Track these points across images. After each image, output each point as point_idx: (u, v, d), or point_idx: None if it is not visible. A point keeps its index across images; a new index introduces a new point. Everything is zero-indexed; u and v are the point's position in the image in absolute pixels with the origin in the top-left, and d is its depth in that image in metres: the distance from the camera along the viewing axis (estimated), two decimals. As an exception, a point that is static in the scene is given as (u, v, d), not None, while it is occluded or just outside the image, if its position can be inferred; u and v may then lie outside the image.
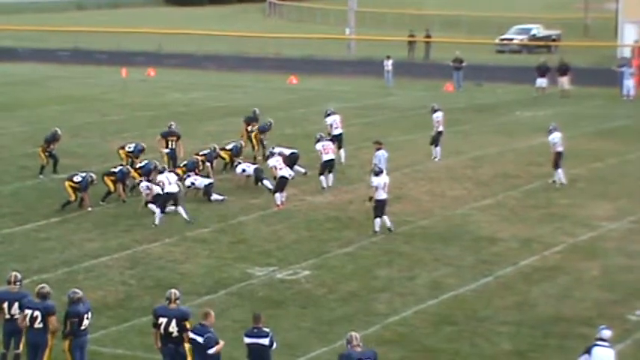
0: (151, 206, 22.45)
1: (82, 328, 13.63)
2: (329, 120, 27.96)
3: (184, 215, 22.05)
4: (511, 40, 60.06)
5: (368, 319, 16.46)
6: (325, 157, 24.91)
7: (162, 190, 22.07)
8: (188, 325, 13.28)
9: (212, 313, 13.23)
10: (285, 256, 19.87)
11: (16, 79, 47.63)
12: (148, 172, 24.11)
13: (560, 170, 25.48)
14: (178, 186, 22.34)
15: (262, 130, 28.91)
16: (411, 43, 56.47)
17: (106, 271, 18.92)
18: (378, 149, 24.11)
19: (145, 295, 17.50)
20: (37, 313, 13.61)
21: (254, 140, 28.65)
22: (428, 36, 56.35)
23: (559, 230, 21.68)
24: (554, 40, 60.43)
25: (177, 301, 13.46)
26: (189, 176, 24.53)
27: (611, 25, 59.52)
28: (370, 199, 21.34)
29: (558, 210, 23.36)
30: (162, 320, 13.33)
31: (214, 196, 24.09)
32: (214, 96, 42.52)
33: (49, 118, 36.30)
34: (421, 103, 39.16)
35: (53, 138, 27.22)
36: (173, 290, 13.63)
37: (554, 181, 25.50)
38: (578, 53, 53.36)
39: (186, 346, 13.24)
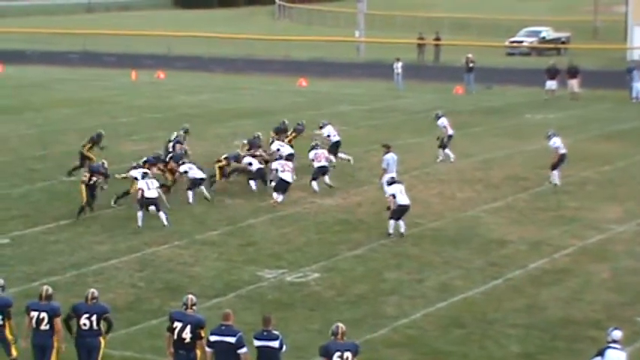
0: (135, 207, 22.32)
1: (84, 328, 13.60)
2: (325, 132, 28.00)
3: (164, 220, 21.89)
4: (521, 42, 60.02)
5: (377, 322, 16.45)
6: (317, 164, 25.10)
7: (142, 195, 22.00)
8: (202, 333, 13.21)
9: (232, 313, 13.22)
10: (295, 258, 19.87)
11: (25, 81, 47.76)
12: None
13: (555, 172, 25.57)
14: (158, 192, 22.34)
15: (299, 132, 28.60)
16: (420, 45, 56.47)
17: (116, 274, 18.94)
18: (387, 152, 24.08)
19: (155, 298, 17.52)
20: (43, 314, 13.59)
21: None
22: (438, 38, 56.34)
23: (568, 233, 21.64)
24: (563, 43, 60.36)
25: (194, 307, 13.39)
26: (184, 163, 24.51)
27: (620, 27, 59.42)
28: (388, 208, 21.39)
29: (567, 212, 23.32)
30: (178, 325, 13.24)
31: (191, 193, 23.86)
32: (223, 98, 42.57)
33: (58, 120, 36.43)
34: (431, 106, 39.13)
35: (99, 138, 27.17)
36: (190, 296, 13.54)
37: (549, 182, 25.51)
38: (587, 56, 53.28)
39: (198, 353, 13.21)
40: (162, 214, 22.09)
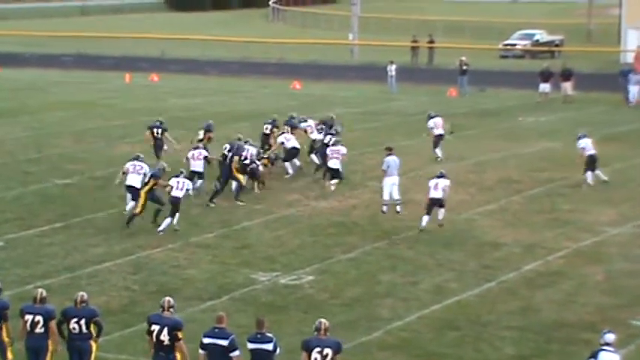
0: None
1: (74, 332, 13.57)
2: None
3: (164, 225, 21.81)
4: (514, 45, 60.08)
5: (371, 325, 16.46)
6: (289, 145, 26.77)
7: (170, 192, 22.04)
8: (180, 335, 13.19)
9: (225, 316, 13.23)
10: (289, 261, 19.88)
11: (19, 84, 47.68)
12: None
13: (589, 173, 25.89)
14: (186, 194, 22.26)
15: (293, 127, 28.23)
16: (414, 48, 56.50)
17: (110, 277, 18.93)
18: (389, 154, 24.00)
19: (149, 301, 17.50)
20: (38, 317, 13.56)
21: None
22: (431, 41, 56.38)
23: (562, 235, 21.68)
24: (557, 46, 60.44)
25: (171, 310, 13.35)
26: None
27: (614, 30, 59.51)
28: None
29: (561, 215, 23.35)
30: (155, 328, 13.24)
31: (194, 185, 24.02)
32: (218, 101, 42.55)
33: (53, 123, 36.40)
34: (424, 109, 39.11)
35: (208, 129, 27.67)
36: (167, 298, 13.54)
37: (587, 184, 25.83)
38: (581, 58, 53.36)
39: (178, 356, 13.18)
40: (168, 220, 21.76)
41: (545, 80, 42.02)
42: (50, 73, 52.51)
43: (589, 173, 25.91)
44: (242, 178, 24.53)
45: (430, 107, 39.37)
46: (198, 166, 24.84)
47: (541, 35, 61.83)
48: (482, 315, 16.93)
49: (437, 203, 21.91)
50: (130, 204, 22.81)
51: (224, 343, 12.91)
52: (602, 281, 18.74)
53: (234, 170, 24.50)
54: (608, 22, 66.73)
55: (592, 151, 26.04)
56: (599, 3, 74.22)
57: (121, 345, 15.59)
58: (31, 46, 62.84)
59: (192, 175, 24.42)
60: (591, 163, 25.95)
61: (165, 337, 13.16)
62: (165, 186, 22.25)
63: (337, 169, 25.38)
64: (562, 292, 18.11)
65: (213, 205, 23.89)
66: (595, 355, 12.77)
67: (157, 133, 28.02)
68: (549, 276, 19.02)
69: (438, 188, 21.93)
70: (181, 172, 22.64)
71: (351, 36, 60.28)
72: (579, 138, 26.60)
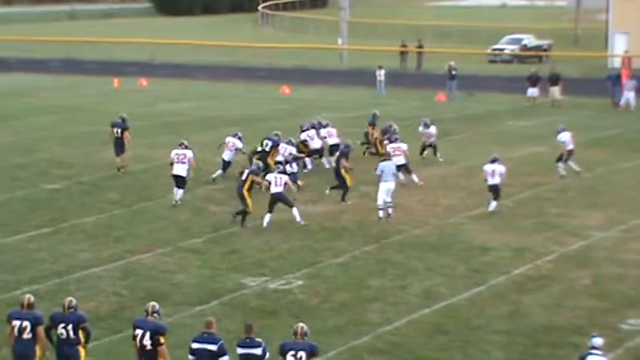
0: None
1: (62, 337, 13.53)
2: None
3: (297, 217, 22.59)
4: (502, 50, 60.26)
5: (360, 329, 16.47)
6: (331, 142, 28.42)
7: (269, 188, 22.55)
8: (162, 340, 13.16)
9: (214, 321, 13.22)
10: (278, 266, 19.87)
11: (6, 89, 47.57)
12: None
13: (561, 164, 27.12)
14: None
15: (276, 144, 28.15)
16: (403, 53, 56.62)
17: (98, 282, 18.88)
18: (383, 160, 24.03)
19: (138, 306, 17.44)
20: (26, 323, 13.51)
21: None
22: (420, 46, 56.49)
23: (551, 239, 21.73)
24: (545, 50, 60.62)
25: (155, 314, 13.32)
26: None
27: (601, 35, 59.76)
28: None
29: (550, 219, 23.41)
30: (139, 332, 13.24)
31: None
32: (207, 106, 42.54)
33: (40, 128, 36.32)
34: (413, 113, 39.22)
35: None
36: (152, 303, 13.52)
37: (560, 176, 26.97)
38: (568, 63, 53.55)
39: None
40: (294, 211, 22.50)
41: (533, 85, 42.15)
42: (37, 78, 52.41)
43: (560, 164, 27.09)
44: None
45: (419, 112, 39.51)
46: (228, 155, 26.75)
47: (529, 40, 62.03)
48: (471, 319, 16.96)
49: (494, 189, 23.30)
50: (179, 193, 24.05)
51: (213, 348, 12.90)
52: (589, 285, 18.77)
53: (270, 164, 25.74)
54: (596, 27, 67.00)
55: (571, 146, 26.96)
56: (587, 8, 74.50)
57: (110, 351, 15.55)
58: (18, 50, 62.70)
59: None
60: (568, 157, 26.89)
61: (147, 341, 13.14)
62: (260, 183, 22.78)
63: (404, 164, 26.01)
64: (551, 296, 18.15)
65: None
66: (583, 358, 12.80)
67: (117, 132, 27.97)
68: (538, 280, 19.07)
69: (495, 175, 23.31)
70: (277, 168, 23.63)
71: (340, 41, 60.35)
72: (559, 132, 27.39)
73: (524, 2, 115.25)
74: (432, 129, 29.75)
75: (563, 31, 70.70)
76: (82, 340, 13.69)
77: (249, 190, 22.58)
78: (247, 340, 12.99)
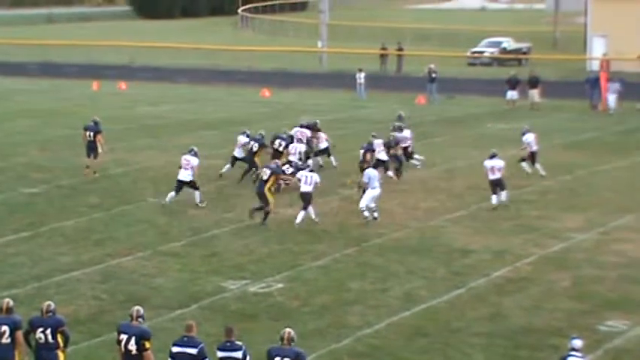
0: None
1: (40, 342, 13.44)
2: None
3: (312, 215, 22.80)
4: (482, 53, 60.46)
5: (341, 332, 16.46)
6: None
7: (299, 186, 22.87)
8: (147, 345, 13.11)
9: (195, 325, 13.18)
10: (258, 269, 19.84)
11: (-15, 92, 47.31)
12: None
13: (525, 164, 27.72)
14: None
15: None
16: (383, 56, 56.70)
17: (78, 286, 18.79)
18: (368, 167, 23.95)
19: (117, 310, 17.39)
20: (4, 327, 13.39)
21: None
22: (400, 49, 56.59)
23: (530, 242, 21.80)
24: (524, 53, 60.87)
25: (140, 319, 13.27)
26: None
27: (580, 38, 60.06)
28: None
29: (529, 222, 23.49)
30: (123, 337, 13.17)
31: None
32: (186, 109, 42.45)
33: (18, 132, 36.13)
34: (393, 116, 39.25)
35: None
36: (136, 307, 13.47)
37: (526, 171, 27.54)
38: (547, 66, 53.79)
39: None
40: (302, 213, 22.69)
41: (513, 87, 42.31)
42: (15, 82, 52.13)
43: (524, 164, 27.62)
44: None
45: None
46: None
47: (508, 43, 62.25)
48: (451, 321, 16.98)
49: (497, 184, 24.19)
50: (170, 195, 24.31)
51: (193, 351, 12.86)
52: (569, 287, 18.84)
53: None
54: (574, 30, 67.37)
55: (535, 148, 27.47)
56: (566, 11, 74.88)
57: (89, 355, 15.47)
58: (-3, 54, 62.40)
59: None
60: (531, 157, 27.43)
61: (132, 346, 13.09)
62: (288, 179, 23.63)
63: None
64: (530, 298, 18.20)
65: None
66: (563, 360, 12.86)
67: (89, 136, 27.90)
68: (518, 282, 19.12)
69: (494, 170, 24.24)
70: (308, 166, 23.96)
71: (320, 44, 60.39)
72: (524, 133, 27.81)
73: (503, 5, 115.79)
74: (407, 132, 28.94)
75: (542, 34, 71.00)
76: (61, 344, 13.61)
77: (270, 189, 22.91)
78: (228, 344, 12.95)
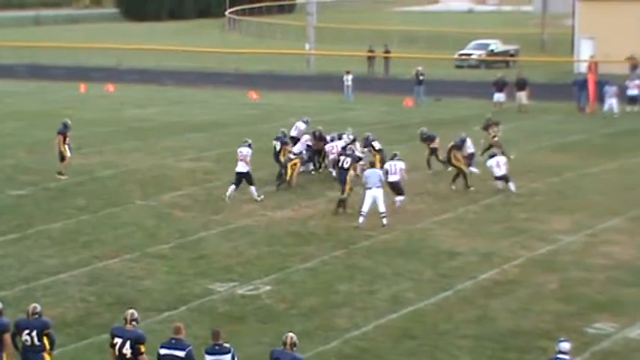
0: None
1: (27, 344, 13.39)
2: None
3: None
4: (469, 55, 60.55)
5: (328, 334, 16.45)
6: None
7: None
8: (142, 349, 13.08)
9: (183, 327, 13.15)
10: (246, 271, 19.82)
11: (-28, 94, 47.14)
12: None
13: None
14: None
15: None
16: (370, 58, 56.73)
17: (65, 288, 18.74)
18: (369, 167, 24.07)
19: (105, 312, 17.36)
20: (-8, 330, 13.41)
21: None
22: (387, 51, 56.63)
23: (518, 244, 21.84)
24: (512, 56, 61.03)
25: (134, 322, 13.24)
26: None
27: (567, 40, 60.22)
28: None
29: (517, 224, 23.53)
30: (118, 341, 13.13)
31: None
32: (174, 111, 42.38)
33: (6, 134, 36.02)
34: (381, 118, 39.34)
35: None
36: (131, 310, 13.45)
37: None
38: (535, 68, 53.92)
39: None
40: (398, 199, 24.09)
41: (500, 90, 42.37)
42: (3, 84, 51.98)
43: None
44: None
45: (387, 117, 39.65)
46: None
47: (496, 45, 62.38)
48: (439, 324, 16.99)
49: (502, 178, 26.04)
50: (230, 189, 24.89)
51: (181, 354, 12.83)
52: (557, 289, 18.88)
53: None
54: (562, 32, 67.52)
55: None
56: (553, 13, 75.13)
57: (76, 357, 15.43)
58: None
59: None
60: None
61: (127, 350, 13.05)
62: (363, 165, 24.73)
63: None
64: (518, 301, 18.23)
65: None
66: (550, 363, 12.89)
67: (67, 138, 27.74)
68: (505, 284, 19.15)
69: (500, 165, 26.01)
70: (395, 155, 24.56)
71: (307, 46, 60.40)
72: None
73: (491, 8, 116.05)
74: (376, 144, 28.04)
75: (530, 37, 71.19)
76: (47, 346, 13.56)
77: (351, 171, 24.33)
78: (216, 347, 12.93)
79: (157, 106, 44.13)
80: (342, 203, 24.05)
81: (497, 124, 30.85)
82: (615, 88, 40.79)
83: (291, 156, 27.04)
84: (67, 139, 27.89)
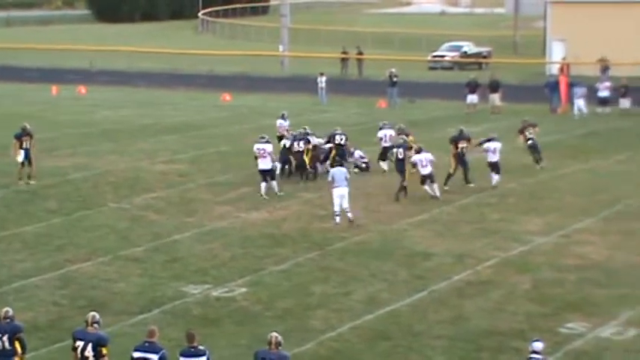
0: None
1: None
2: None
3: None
4: (443, 57, 60.78)
5: (304, 336, 16.44)
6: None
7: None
8: (104, 351, 13.01)
9: (157, 330, 13.09)
10: (221, 273, 19.77)
11: (-58, 97, 46.71)
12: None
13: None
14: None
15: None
16: (343, 60, 56.80)
17: (37, 292, 18.61)
18: (333, 166, 24.67)
19: (77, 316, 17.22)
20: (-34, 335, 13.29)
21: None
22: (360, 53, 56.71)
23: (491, 245, 21.92)
24: (484, 57, 61.30)
25: (96, 325, 13.16)
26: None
27: (539, 42, 60.58)
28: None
29: (490, 225, 23.62)
30: (80, 344, 13.06)
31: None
32: (146, 113, 42.22)
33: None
34: (354, 120, 39.37)
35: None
36: (92, 313, 13.37)
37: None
38: (508, 70, 54.16)
39: None
40: (435, 190, 25.44)
41: (472, 91, 42.52)
42: (-25, 86, 51.57)
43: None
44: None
45: (360, 119, 39.66)
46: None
47: (469, 47, 62.67)
48: (413, 325, 17.03)
49: (494, 165, 26.92)
50: (273, 185, 25.55)
51: (154, 357, 12.78)
52: (530, 290, 18.96)
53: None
54: (534, 34, 67.96)
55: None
56: (525, 15, 75.51)
57: (50, 361, 15.32)
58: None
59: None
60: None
61: (89, 352, 12.98)
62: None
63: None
64: (491, 301, 18.30)
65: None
66: (524, 363, 12.95)
67: (26, 144, 27.31)
68: (479, 285, 19.21)
69: (496, 152, 26.71)
70: (421, 149, 25.68)
71: (281, 48, 60.37)
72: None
73: (463, 10, 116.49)
74: (385, 131, 29.56)
75: (502, 39, 71.52)
76: (19, 350, 13.45)
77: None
78: (191, 350, 12.88)
79: (130, 108, 43.95)
80: (403, 189, 25.49)
81: (534, 125, 30.51)
82: (584, 90, 41.06)
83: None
84: (25, 143, 27.45)
